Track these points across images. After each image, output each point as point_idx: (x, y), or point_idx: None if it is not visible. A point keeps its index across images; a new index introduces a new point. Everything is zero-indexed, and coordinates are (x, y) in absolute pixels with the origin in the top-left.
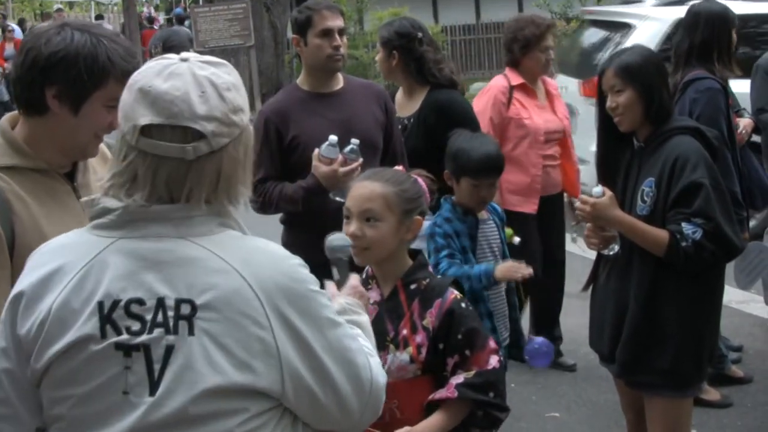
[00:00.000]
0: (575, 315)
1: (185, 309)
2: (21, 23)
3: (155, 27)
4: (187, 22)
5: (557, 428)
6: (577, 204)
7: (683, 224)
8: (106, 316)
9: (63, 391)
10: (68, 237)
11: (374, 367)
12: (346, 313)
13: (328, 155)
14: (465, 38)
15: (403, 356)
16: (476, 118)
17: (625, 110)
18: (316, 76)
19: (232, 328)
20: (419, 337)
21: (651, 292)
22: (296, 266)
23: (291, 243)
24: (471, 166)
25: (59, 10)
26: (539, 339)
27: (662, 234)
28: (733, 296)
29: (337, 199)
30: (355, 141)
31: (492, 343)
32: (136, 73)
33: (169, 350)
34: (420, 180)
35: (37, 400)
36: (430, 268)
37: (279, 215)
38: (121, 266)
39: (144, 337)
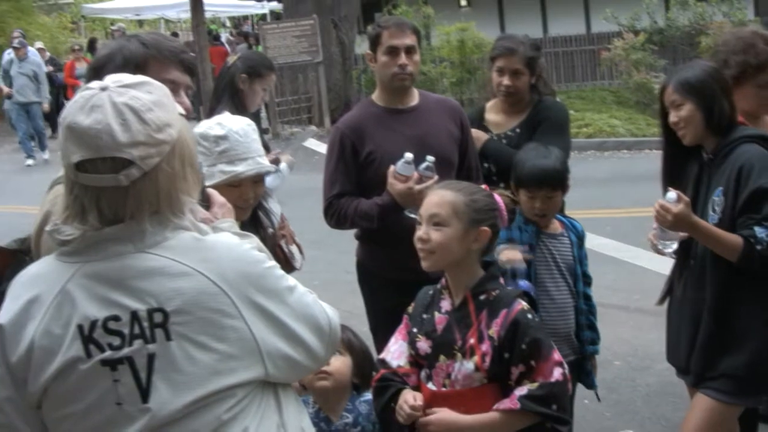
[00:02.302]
0: (648, 331)
1: (158, 317)
2: (92, 42)
3: (220, 43)
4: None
5: None
6: (657, 209)
7: (755, 228)
8: (88, 336)
9: (63, 410)
10: (39, 266)
11: (326, 308)
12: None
13: (403, 172)
14: None
15: (469, 365)
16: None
17: (687, 124)
18: (388, 92)
19: (206, 325)
20: (485, 346)
21: (724, 300)
22: (248, 250)
23: (366, 258)
24: (522, 176)
25: (118, 29)
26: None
27: (736, 239)
28: None
29: (412, 215)
30: (430, 158)
31: (556, 355)
32: (65, 109)
33: (151, 358)
34: (498, 198)
35: (38, 421)
36: (501, 280)
37: (354, 231)
38: (91, 289)
39: (126, 350)
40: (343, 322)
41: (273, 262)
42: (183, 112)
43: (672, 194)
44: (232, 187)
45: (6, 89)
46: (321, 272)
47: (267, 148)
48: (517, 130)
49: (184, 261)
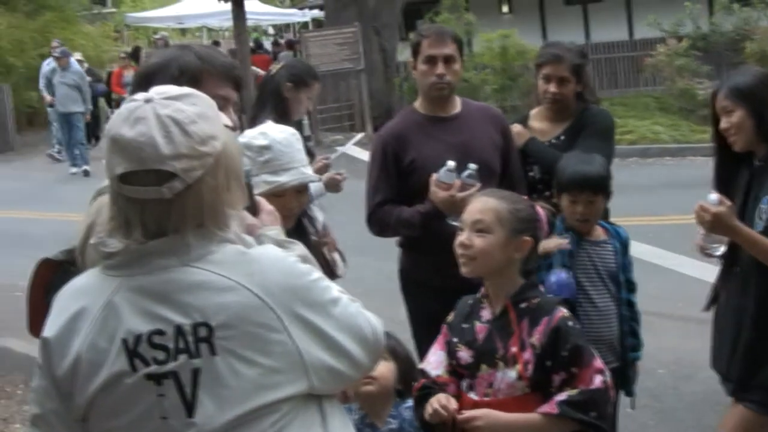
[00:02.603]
0: (692, 339)
1: (203, 332)
2: (136, 51)
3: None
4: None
5: None
6: (697, 210)
7: None
8: (133, 350)
9: (108, 424)
10: (84, 279)
11: (370, 317)
12: (285, 247)
13: (445, 180)
14: None
15: (511, 373)
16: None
17: (738, 130)
18: (428, 100)
19: (251, 339)
20: (527, 354)
21: (766, 309)
22: (294, 263)
23: (409, 266)
24: (564, 181)
25: (161, 38)
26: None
27: None
28: None
29: (455, 223)
30: (472, 166)
31: (597, 363)
32: (110, 121)
33: (196, 372)
34: (540, 209)
35: None
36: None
37: (397, 238)
38: (136, 303)
39: (171, 365)
40: (385, 329)
41: (318, 273)
42: (229, 123)
43: (714, 196)
44: (275, 196)
45: (48, 98)
46: (363, 279)
47: (311, 155)
48: (562, 137)
49: (229, 275)
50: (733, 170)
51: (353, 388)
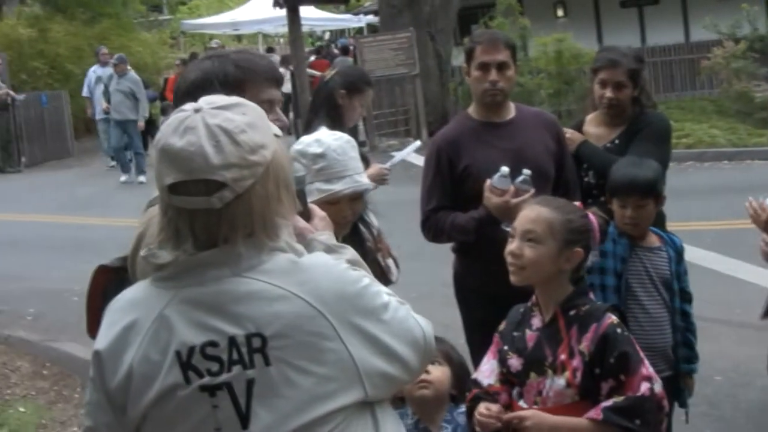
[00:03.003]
0: (750, 346)
1: (256, 342)
2: (193, 56)
3: (323, 56)
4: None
5: None
6: (750, 209)
7: None
8: (186, 362)
9: None
10: (135, 291)
11: (420, 320)
12: (336, 252)
13: (499, 186)
14: None
15: (560, 381)
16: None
17: None
18: (482, 106)
19: (305, 348)
20: (575, 362)
21: None
22: (345, 270)
23: (463, 271)
24: (613, 184)
25: (216, 45)
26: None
27: None
28: None
29: (509, 229)
30: (526, 171)
31: (645, 370)
32: (159, 132)
33: (251, 383)
34: (593, 217)
35: None
36: (591, 295)
37: (451, 244)
38: (188, 315)
39: (225, 376)
40: (439, 334)
41: (368, 279)
42: (278, 132)
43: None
44: (329, 204)
45: (104, 104)
46: (418, 284)
47: (366, 161)
48: (616, 141)
49: (281, 284)
50: None
51: (408, 393)
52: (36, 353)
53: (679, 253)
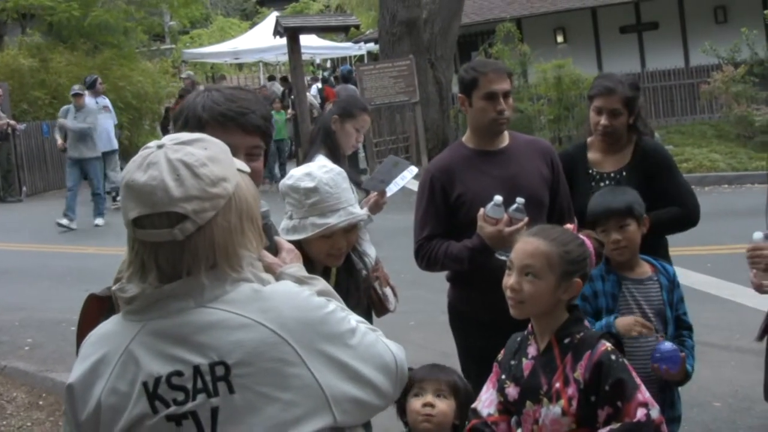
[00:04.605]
0: (749, 371)
1: (220, 371)
2: (193, 86)
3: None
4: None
5: None
6: (749, 254)
7: None
8: (153, 393)
9: None
10: (107, 325)
11: (390, 345)
12: (306, 284)
13: (493, 215)
14: None
15: (555, 409)
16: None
17: None
18: (480, 135)
19: (268, 375)
20: (571, 390)
21: None
22: (308, 297)
23: (457, 300)
24: (592, 215)
25: (187, 77)
26: (667, 344)
27: None
28: None
29: (503, 258)
30: (520, 200)
31: (641, 396)
32: (125, 169)
33: (215, 411)
34: (588, 242)
35: None
36: (586, 323)
37: (445, 273)
38: (154, 346)
39: (189, 405)
40: (438, 362)
41: (334, 305)
42: (244, 167)
43: (759, 234)
44: (324, 237)
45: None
46: (416, 312)
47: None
48: (624, 173)
49: (244, 313)
50: None
51: (412, 423)
52: (32, 384)
53: (671, 281)
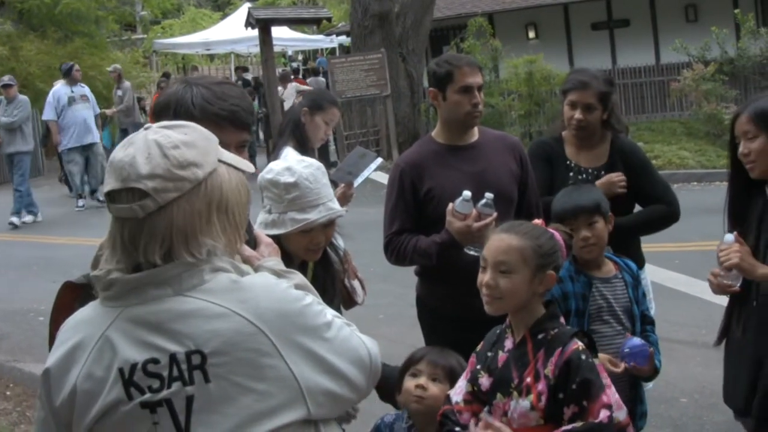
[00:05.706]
0: (716, 367)
1: (196, 359)
2: (166, 76)
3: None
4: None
5: None
6: (721, 253)
7: None
8: (128, 380)
9: None
10: (85, 311)
11: (365, 339)
12: (284, 277)
13: (462, 210)
14: None
15: (524, 403)
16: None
17: (758, 157)
18: (451, 129)
19: (244, 365)
20: (540, 385)
21: None
22: (285, 289)
23: (426, 294)
24: (559, 214)
25: (114, 70)
26: (635, 340)
27: None
28: None
29: (472, 252)
30: (489, 195)
31: (605, 398)
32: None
33: (190, 400)
34: (557, 235)
35: None
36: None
37: (414, 267)
38: (131, 333)
39: (164, 393)
40: (406, 355)
41: (311, 298)
42: (247, 169)
43: (730, 236)
44: (304, 232)
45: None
46: (386, 306)
47: (334, 183)
48: (603, 172)
49: (221, 302)
50: (745, 198)
51: (404, 401)
52: None
53: (635, 277)
